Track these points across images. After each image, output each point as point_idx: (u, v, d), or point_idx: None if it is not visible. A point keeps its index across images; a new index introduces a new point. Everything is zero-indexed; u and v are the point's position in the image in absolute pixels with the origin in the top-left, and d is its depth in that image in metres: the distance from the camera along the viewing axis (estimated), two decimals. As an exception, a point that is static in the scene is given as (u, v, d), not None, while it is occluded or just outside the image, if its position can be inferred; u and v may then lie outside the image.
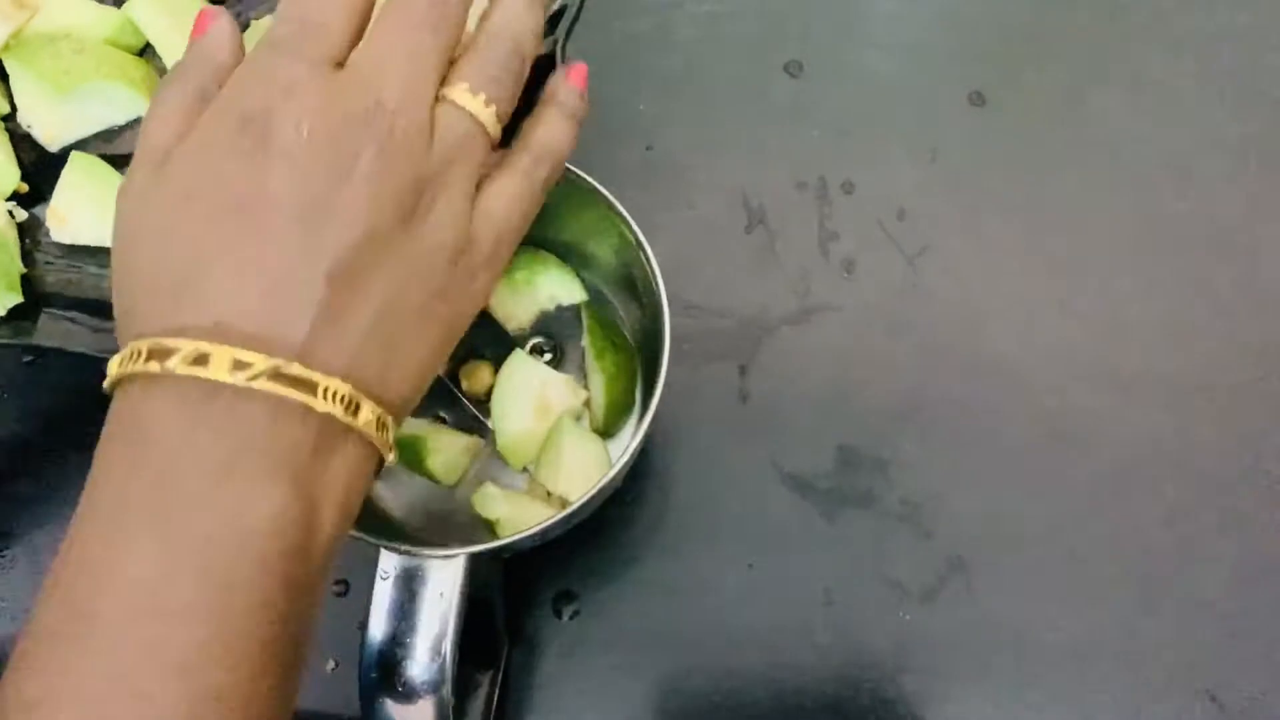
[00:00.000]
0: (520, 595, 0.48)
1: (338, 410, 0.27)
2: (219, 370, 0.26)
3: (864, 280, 0.53)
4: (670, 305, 0.41)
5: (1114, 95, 0.57)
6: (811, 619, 0.47)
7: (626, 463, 0.38)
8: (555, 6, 0.39)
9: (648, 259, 0.41)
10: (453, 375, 0.46)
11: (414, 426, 0.45)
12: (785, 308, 0.52)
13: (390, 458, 0.30)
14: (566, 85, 0.35)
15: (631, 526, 0.49)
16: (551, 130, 0.34)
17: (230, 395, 0.26)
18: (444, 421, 0.46)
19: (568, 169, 0.43)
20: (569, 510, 0.38)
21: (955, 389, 0.51)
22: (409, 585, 0.36)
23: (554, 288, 0.46)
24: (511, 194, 0.32)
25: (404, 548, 0.36)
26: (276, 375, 0.27)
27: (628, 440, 0.42)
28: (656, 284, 0.41)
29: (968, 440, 0.50)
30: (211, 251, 0.28)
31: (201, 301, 0.27)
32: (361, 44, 0.30)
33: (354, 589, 0.48)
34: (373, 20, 0.31)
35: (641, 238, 0.41)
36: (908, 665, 0.47)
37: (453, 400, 0.46)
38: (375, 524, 0.44)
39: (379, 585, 0.37)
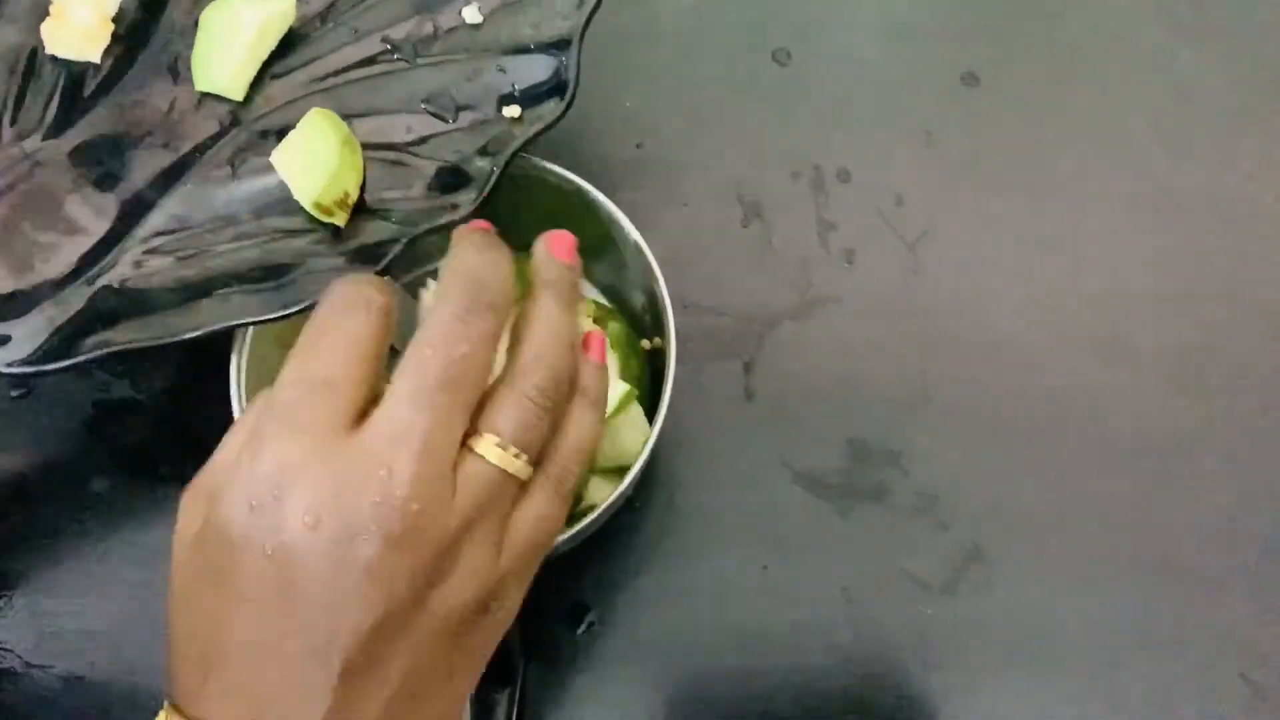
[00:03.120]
0: (533, 609, 0.46)
1: None
2: None
3: (865, 270, 0.52)
4: (670, 304, 0.40)
5: (1108, 69, 0.56)
6: (831, 618, 0.46)
7: (638, 472, 0.37)
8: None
9: (649, 262, 0.40)
10: None
11: None
12: (786, 302, 0.51)
13: None
14: (587, 363, 0.34)
15: (641, 533, 0.48)
16: (578, 430, 0.32)
17: None
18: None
19: (562, 174, 0.42)
20: (581, 525, 0.37)
21: (963, 374, 0.50)
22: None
23: None
24: (540, 517, 0.31)
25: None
26: None
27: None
28: (659, 287, 0.40)
29: (979, 426, 0.49)
30: (233, 638, 0.28)
31: (224, 691, 0.28)
32: (376, 411, 0.29)
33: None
34: (393, 378, 0.29)
35: (641, 242, 0.41)
36: (931, 660, 0.46)
37: None
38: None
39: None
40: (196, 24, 0.42)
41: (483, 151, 0.38)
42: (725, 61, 0.57)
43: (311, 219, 0.38)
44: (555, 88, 0.38)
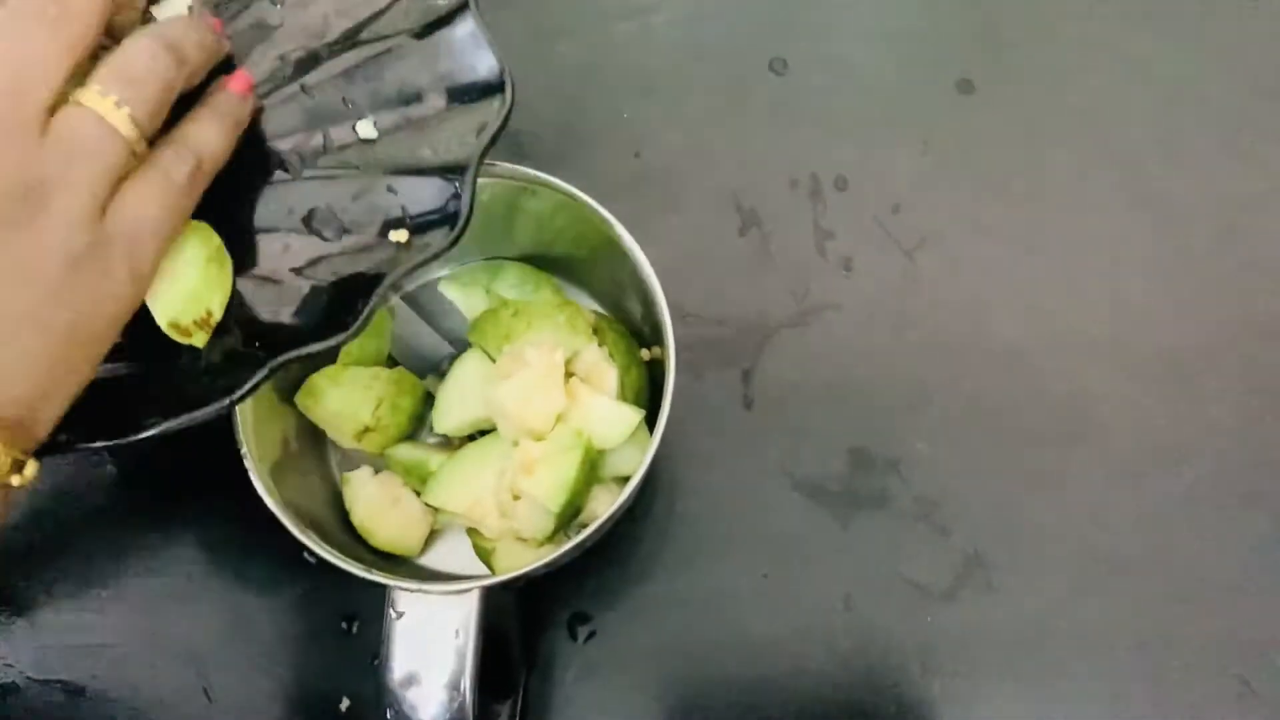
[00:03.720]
0: (534, 620, 0.47)
1: None
2: None
3: (863, 277, 0.52)
4: (669, 315, 0.40)
5: (1103, 75, 0.57)
6: (832, 625, 0.46)
7: (639, 482, 0.37)
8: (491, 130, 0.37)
9: (647, 272, 0.40)
10: None
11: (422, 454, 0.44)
12: (785, 310, 0.52)
13: (16, 479, 0.30)
14: (226, 89, 0.34)
15: (642, 543, 0.48)
16: (200, 128, 0.32)
17: None
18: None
19: (559, 184, 0.42)
20: (582, 537, 0.37)
21: (963, 381, 0.50)
22: (423, 623, 0.35)
23: None
24: (146, 191, 0.31)
25: (415, 586, 0.35)
26: None
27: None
28: (657, 297, 0.40)
29: (978, 433, 0.50)
30: None
31: None
32: None
33: (362, 625, 0.46)
34: None
35: (639, 252, 0.41)
36: (933, 667, 0.46)
37: None
38: (382, 559, 0.43)
39: (392, 624, 0.36)
40: None
41: (360, 277, 0.35)
42: (722, 71, 0.57)
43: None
44: (446, 216, 0.36)
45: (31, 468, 0.30)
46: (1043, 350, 0.51)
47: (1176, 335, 0.51)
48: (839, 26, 0.58)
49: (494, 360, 0.43)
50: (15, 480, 0.29)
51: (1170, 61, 0.57)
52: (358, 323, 0.34)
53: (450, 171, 0.36)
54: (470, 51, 0.37)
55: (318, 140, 0.37)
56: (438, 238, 0.35)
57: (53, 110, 0.29)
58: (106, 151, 0.30)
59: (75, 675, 0.46)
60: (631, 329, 0.46)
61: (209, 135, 0.32)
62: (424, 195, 0.36)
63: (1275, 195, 0.54)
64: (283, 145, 0.37)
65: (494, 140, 0.36)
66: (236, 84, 0.34)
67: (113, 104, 0.29)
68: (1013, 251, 0.53)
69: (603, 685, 0.46)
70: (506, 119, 0.37)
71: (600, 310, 0.48)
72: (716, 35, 0.58)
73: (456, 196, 0.36)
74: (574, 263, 0.47)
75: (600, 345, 0.43)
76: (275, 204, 0.36)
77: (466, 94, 0.37)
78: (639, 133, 0.55)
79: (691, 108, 0.56)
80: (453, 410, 0.44)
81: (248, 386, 0.33)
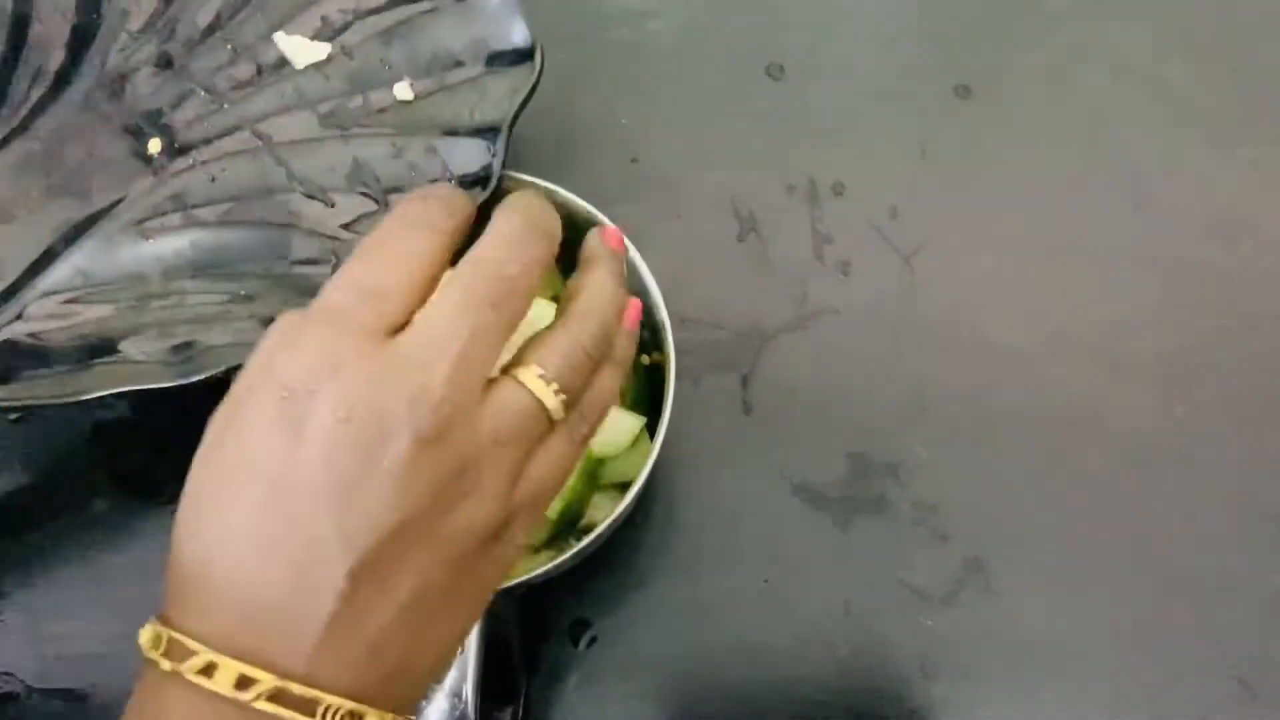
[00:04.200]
0: (534, 626, 0.47)
1: None
2: (223, 684, 0.26)
3: (861, 282, 0.52)
4: (669, 322, 0.40)
5: (1100, 80, 0.57)
6: (832, 631, 0.46)
7: (640, 489, 0.38)
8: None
9: (646, 279, 0.40)
10: None
11: None
12: (783, 315, 0.52)
13: None
14: (623, 330, 0.34)
15: (641, 549, 0.48)
16: (603, 385, 0.32)
17: (233, 708, 0.26)
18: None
19: (557, 190, 0.42)
20: (584, 544, 0.37)
21: (961, 386, 0.50)
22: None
23: None
24: (554, 461, 0.30)
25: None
26: (278, 695, 0.26)
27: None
28: (657, 304, 0.40)
29: (977, 437, 0.50)
30: (235, 532, 0.27)
31: (216, 594, 0.27)
32: (418, 316, 0.28)
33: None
34: (439, 288, 0.29)
35: (639, 258, 0.41)
36: (933, 672, 0.46)
37: None
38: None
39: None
40: (127, 69, 0.40)
41: None
42: (719, 76, 0.57)
43: (221, 282, 0.36)
44: (480, 178, 0.37)
45: None
46: (1041, 354, 0.51)
47: (1174, 338, 0.52)
48: (836, 32, 0.58)
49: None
50: None
51: (1167, 66, 0.57)
52: None
53: (485, 132, 0.38)
54: (504, 18, 0.39)
55: (357, 101, 0.39)
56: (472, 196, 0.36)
57: (491, 384, 0.29)
58: (536, 432, 0.30)
59: (76, 683, 0.46)
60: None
61: (608, 388, 0.32)
62: (464, 156, 0.38)
63: (1273, 198, 0.54)
64: (324, 107, 0.38)
65: (525, 104, 0.38)
66: (632, 321, 0.34)
67: (553, 391, 0.29)
68: (1010, 256, 0.53)
69: (604, 692, 0.46)
70: (536, 83, 0.39)
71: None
72: (713, 41, 0.58)
73: (491, 156, 0.37)
74: (570, 269, 0.47)
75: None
76: (317, 161, 0.37)
77: (500, 59, 0.38)
78: (636, 138, 0.55)
79: (689, 113, 0.56)
80: None
81: None
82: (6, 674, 0.46)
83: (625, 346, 0.34)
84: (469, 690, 0.35)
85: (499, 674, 0.43)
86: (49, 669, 0.46)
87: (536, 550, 0.42)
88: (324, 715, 0.26)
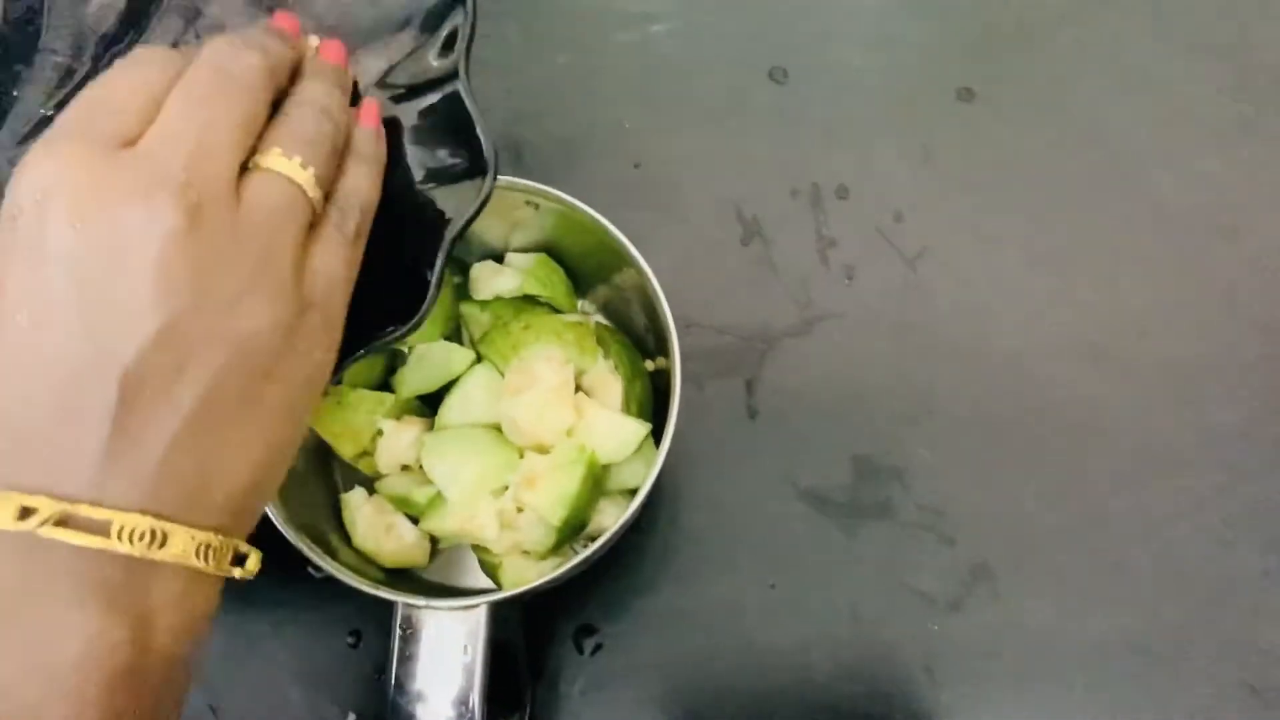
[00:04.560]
0: (539, 633, 0.46)
1: (138, 549, 0.25)
2: (4, 519, 0.24)
3: (865, 286, 0.52)
4: (674, 328, 0.40)
5: (1103, 82, 0.57)
6: (838, 636, 0.46)
7: (645, 495, 0.37)
8: (448, 28, 0.35)
9: (651, 283, 0.40)
10: None
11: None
12: (788, 319, 0.52)
13: (239, 572, 0.28)
14: (361, 130, 0.33)
15: (646, 554, 0.48)
16: (354, 180, 0.31)
17: (21, 540, 0.24)
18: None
19: (561, 196, 0.42)
20: (591, 550, 0.37)
21: (966, 389, 0.50)
22: (430, 639, 0.35)
23: None
24: (331, 250, 0.30)
25: (423, 601, 0.35)
26: (66, 520, 0.25)
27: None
28: (663, 309, 0.40)
29: (982, 441, 0.50)
30: (1, 366, 0.25)
31: None
32: (151, 125, 0.27)
33: (365, 639, 0.46)
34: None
35: (643, 263, 0.41)
36: (939, 677, 0.46)
37: None
38: (388, 573, 0.43)
39: (399, 641, 0.35)
40: None
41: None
42: (722, 80, 0.57)
43: None
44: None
45: (254, 558, 0.28)
46: (1045, 357, 0.51)
47: (1178, 341, 0.51)
48: (838, 35, 0.58)
49: (502, 373, 0.43)
50: (238, 572, 0.28)
51: (1169, 67, 0.57)
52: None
53: None
54: None
55: None
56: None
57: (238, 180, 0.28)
58: (299, 213, 0.29)
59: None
60: (635, 340, 0.46)
61: (363, 184, 0.31)
62: None
63: (1276, 200, 0.54)
64: None
65: None
66: (368, 119, 0.33)
67: (299, 164, 0.29)
68: (1014, 259, 0.53)
69: (609, 698, 0.46)
70: None
71: (603, 321, 0.47)
72: (716, 45, 0.58)
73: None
74: (575, 274, 0.47)
75: (605, 357, 0.43)
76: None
77: None
78: (639, 143, 0.55)
79: (692, 118, 0.56)
80: (455, 420, 0.44)
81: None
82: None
83: (369, 141, 0.32)
84: (476, 698, 0.35)
85: (505, 681, 0.43)
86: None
87: (543, 556, 0.41)
88: (120, 536, 0.25)
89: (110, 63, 0.30)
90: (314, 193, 0.29)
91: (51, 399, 0.25)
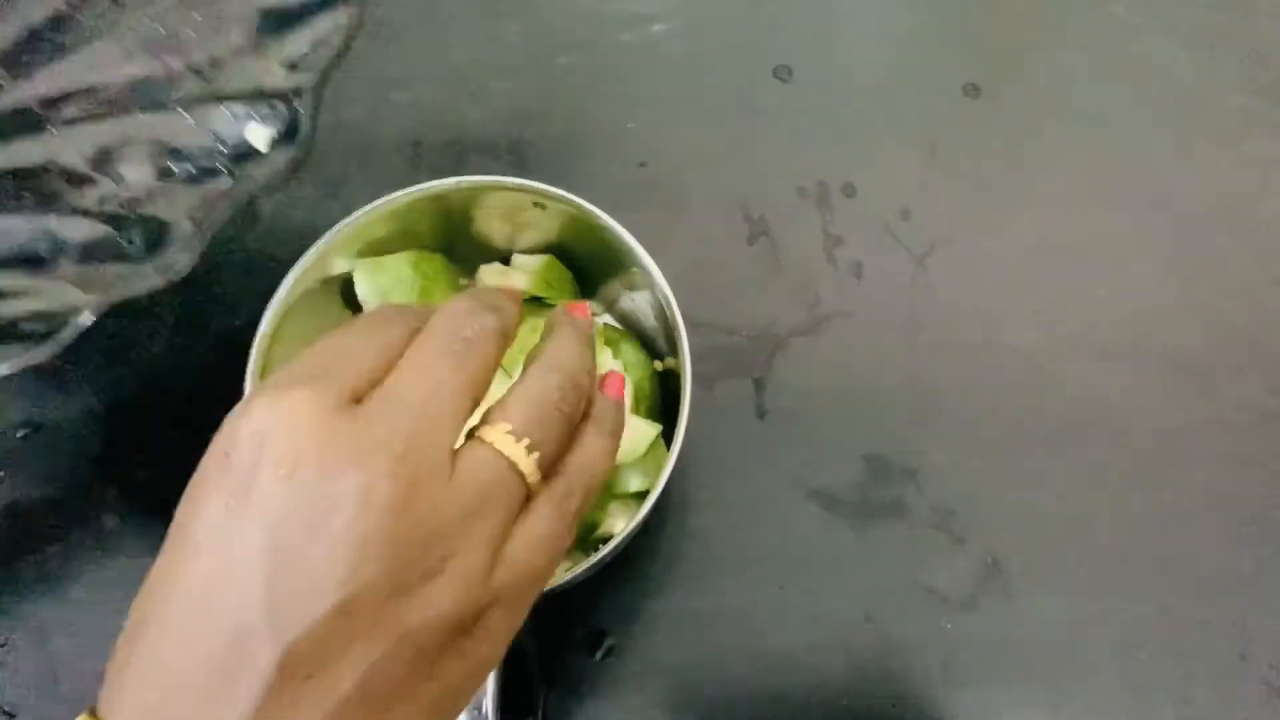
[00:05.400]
0: (550, 636, 0.46)
1: None
2: None
3: (874, 284, 0.52)
4: (684, 330, 0.40)
5: (1109, 76, 0.56)
6: (851, 637, 0.46)
7: (656, 498, 0.37)
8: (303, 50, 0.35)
9: (660, 284, 0.40)
10: None
11: None
12: (796, 318, 0.51)
13: None
14: (604, 398, 0.32)
15: (656, 557, 0.47)
16: (589, 454, 0.30)
17: None
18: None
19: (569, 197, 0.41)
20: (604, 553, 0.36)
21: (976, 386, 0.50)
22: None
23: None
24: (543, 535, 0.27)
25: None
26: None
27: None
28: (672, 309, 0.39)
29: (994, 438, 0.49)
30: (173, 611, 0.24)
31: (144, 665, 0.24)
32: (380, 385, 0.26)
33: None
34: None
35: (652, 264, 0.40)
36: (954, 677, 0.45)
37: None
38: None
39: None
40: None
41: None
42: (726, 79, 0.57)
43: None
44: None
45: None
46: (1056, 353, 0.51)
47: (1190, 336, 0.51)
48: (843, 32, 0.58)
49: (510, 375, 0.42)
50: None
51: (1178, 61, 0.57)
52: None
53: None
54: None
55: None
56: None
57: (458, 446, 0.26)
58: (512, 500, 0.27)
59: (84, 702, 0.45)
60: (644, 341, 0.45)
61: (598, 462, 0.30)
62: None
63: (1285, 193, 0.54)
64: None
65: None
66: (614, 389, 0.32)
67: (525, 448, 0.27)
68: (1023, 255, 0.53)
69: (621, 701, 0.45)
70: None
71: (613, 323, 0.47)
72: (718, 43, 0.58)
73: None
74: (581, 275, 0.47)
75: (614, 358, 0.42)
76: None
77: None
78: (643, 143, 0.55)
79: (696, 116, 0.56)
80: None
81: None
82: (17, 687, 0.45)
83: (612, 414, 0.31)
84: (489, 704, 0.35)
85: (517, 686, 0.42)
86: (57, 687, 0.45)
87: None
88: None
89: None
90: (534, 478, 0.27)
91: (208, 657, 0.23)
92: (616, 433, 0.31)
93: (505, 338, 0.29)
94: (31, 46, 0.35)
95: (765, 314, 0.51)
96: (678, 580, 0.47)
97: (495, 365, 0.28)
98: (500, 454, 0.26)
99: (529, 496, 0.27)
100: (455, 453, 0.26)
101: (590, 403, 0.31)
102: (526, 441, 0.27)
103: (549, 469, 0.28)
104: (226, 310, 0.50)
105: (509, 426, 0.27)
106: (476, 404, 0.27)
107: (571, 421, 0.29)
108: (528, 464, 0.27)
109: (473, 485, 0.26)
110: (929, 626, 0.46)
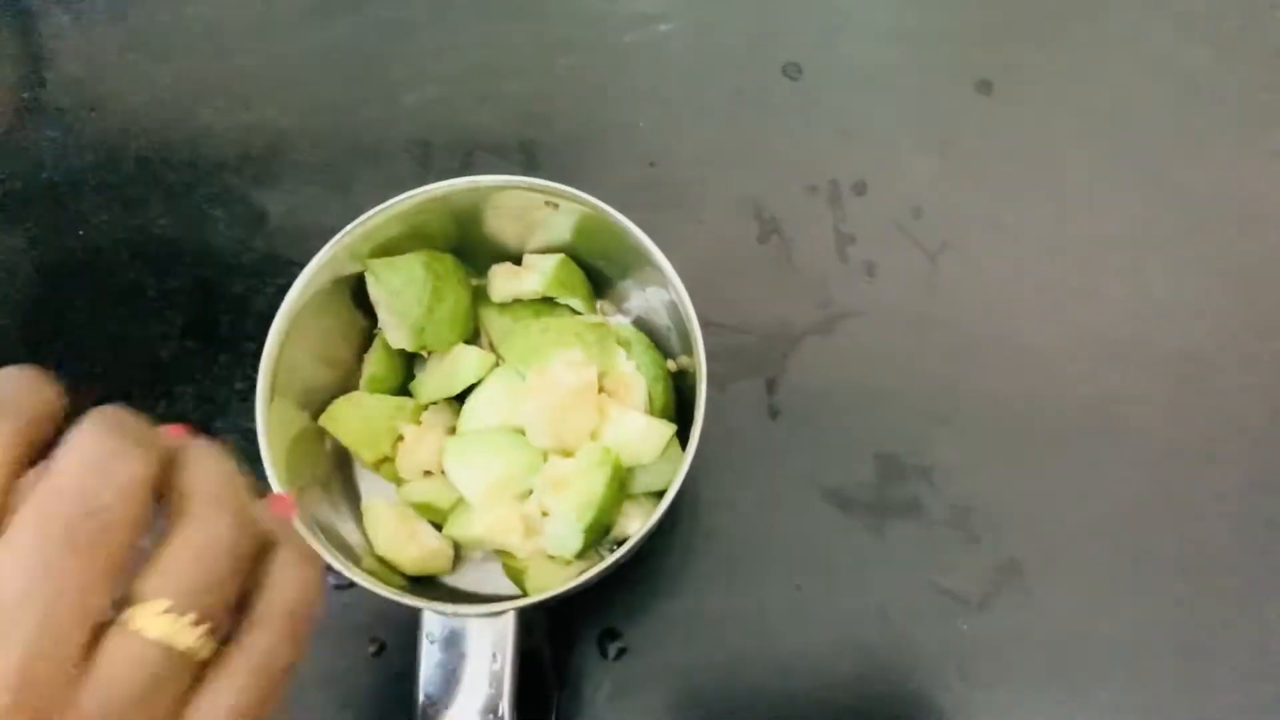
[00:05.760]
0: (563, 637, 0.46)
1: None
2: None
3: (886, 282, 0.52)
4: (699, 329, 0.39)
5: (1122, 71, 0.56)
6: (866, 637, 0.46)
7: (671, 499, 0.37)
8: None
9: (674, 283, 0.40)
10: None
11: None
12: (808, 317, 0.51)
13: None
14: (280, 520, 0.26)
15: (669, 557, 0.47)
16: (287, 594, 0.25)
17: None
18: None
19: (582, 197, 0.41)
20: (619, 554, 0.36)
21: (990, 385, 0.50)
22: (457, 647, 0.35)
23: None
24: (230, 708, 0.23)
25: (450, 609, 0.35)
26: None
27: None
28: (686, 309, 0.39)
29: (1008, 437, 0.49)
30: None
31: None
32: None
33: (389, 648, 0.46)
34: (15, 518, 0.21)
35: (666, 263, 0.40)
36: (970, 677, 0.45)
37: None
38: (411, 580, 0.43)
39: (425, 649, 0.35)
40: None
41: None
42: (735, 77, 0.56)
43: None
44: None
45: None
46: (1068, 351, 0.50)
47: (1202, 333, 0.51)
48: (851, 28, 0.57)
49: (522, 376, 0.42)
50: None
51: (1189, 58, 0.56)
52: None
53: None
54: None
55: None
56: None
57: (95, 640, 0.21)
58: (175, 687, 0.22)
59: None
60: (656, 340, 0.45)
61: (299, 596, 0.25)
62: None
63: (1300, 189, 0.54)
64: None
65: None
66: (282, 509, 0.27)
67: (188, 623, 0.22)
68: (1035, 252, 0.52)
69: (635, 702, 0.45)
70: None
71: (624, 321, 0.47)
72: (727, 42, 0.57)
73: None
74: (594, 274, 0.46)
75: (627, 358, 0.42)
76: None
77: None
78: (653, 142, 0.55)
79: (705, 115, 0.55)
80: (476, 424, 0.43)
81: None
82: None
83: (296, 536, 0.26)
84: (505, 706, 0.34)
85: (531, 687, 0.42)
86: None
87: (568, 561, 0.41)
88: None
89: None
90: (206, 650, 0.23)
91: None
92: (312, 557, 0.26)
93: (149, 489, 0.23)
94: None
95: (777, 313, 0.51)
96: (690, 580, 0.47)
97: (141, 525, 0.22)
98: (150, 643, 0.22)
99: (202, 666, 0.23)
100: (91, 652, 0.21)
101: (259, 527, 0.25)
102: (192, 616, 0.22)
103: (231, 624, 0.24)
104: (237, 312, 0.50)
105: (165, 604, 0.22)
106: (116, 588, 0.22)
107: (245, 563, 0.24)
108: (190, 639, 0.22)
109: (117, 687, 0.21)
110: (944, 626, 0.46)
